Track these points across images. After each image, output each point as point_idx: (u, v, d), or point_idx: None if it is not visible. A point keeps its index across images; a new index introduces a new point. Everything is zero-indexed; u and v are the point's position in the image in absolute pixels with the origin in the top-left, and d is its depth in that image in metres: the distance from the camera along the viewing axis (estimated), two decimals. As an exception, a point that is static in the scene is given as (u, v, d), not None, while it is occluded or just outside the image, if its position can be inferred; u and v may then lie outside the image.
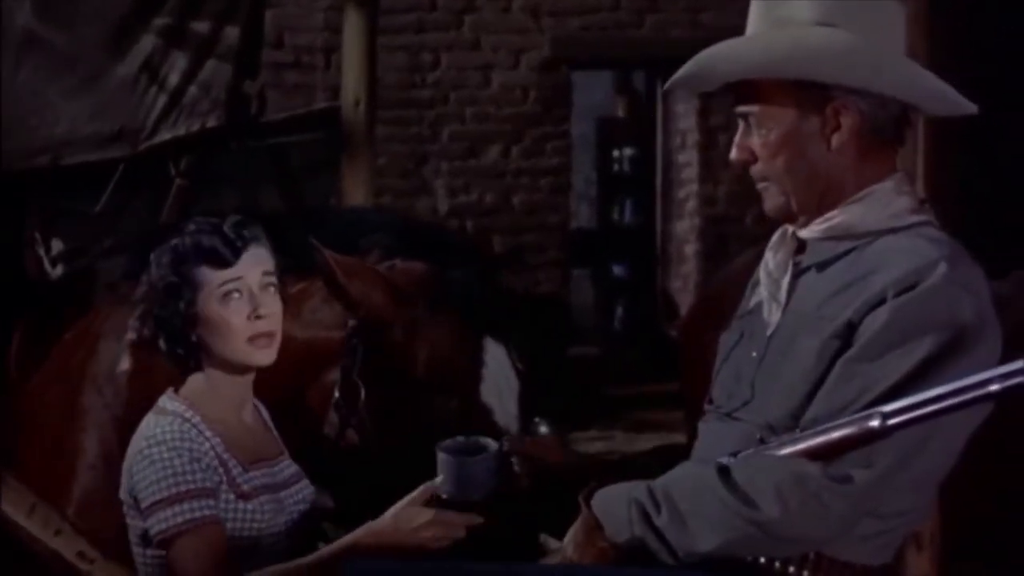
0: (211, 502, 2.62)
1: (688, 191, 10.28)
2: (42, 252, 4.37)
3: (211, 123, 4.51)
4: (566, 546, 2.50)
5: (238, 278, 2.70)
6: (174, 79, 4.48)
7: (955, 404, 2.26)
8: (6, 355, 3.73)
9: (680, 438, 5.58)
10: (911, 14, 2.86)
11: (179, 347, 2.74)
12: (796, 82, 2.47)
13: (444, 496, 2.57)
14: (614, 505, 2.45)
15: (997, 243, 3.72)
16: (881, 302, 2.37)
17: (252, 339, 2.70)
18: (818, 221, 2.52)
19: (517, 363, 3.03)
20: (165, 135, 4.49)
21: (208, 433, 2.69)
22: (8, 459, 3.05)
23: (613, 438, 8.31)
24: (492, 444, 2.58)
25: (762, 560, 2.42)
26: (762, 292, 2.57)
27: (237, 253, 2.71)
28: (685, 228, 10.35)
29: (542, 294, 9.42)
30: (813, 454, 2.33)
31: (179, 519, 2.60)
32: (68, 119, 4.41)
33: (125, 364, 3.16)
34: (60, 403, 3.24)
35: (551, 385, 3.45)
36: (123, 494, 2.71)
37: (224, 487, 2.66)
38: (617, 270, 11.49)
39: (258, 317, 2.69)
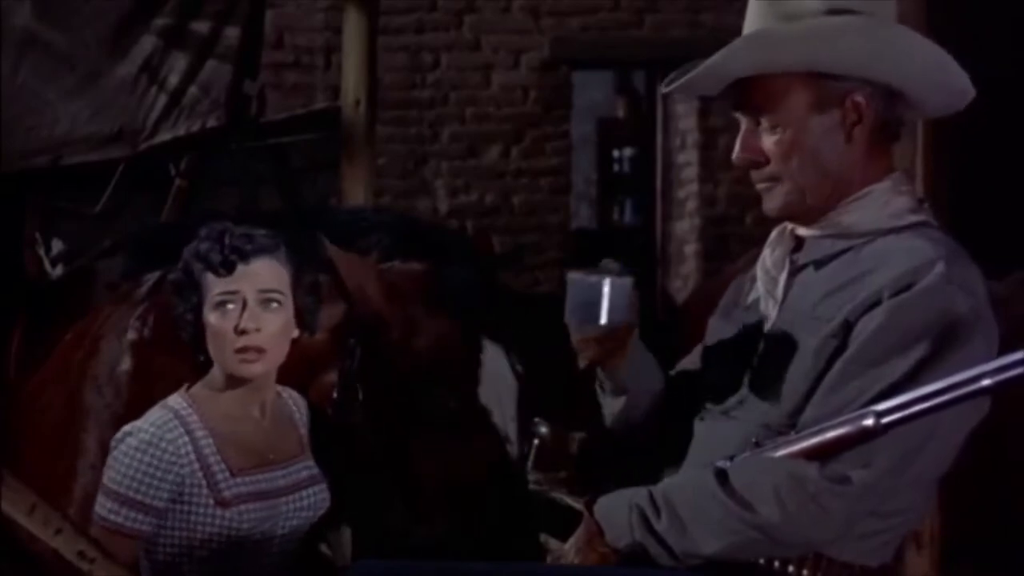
0: (146, 517, 2.69)
1: (688, 191, 10.27)
2: (42, 252, 4.37)
3: (211, 123, 4.50)
4: (568, 551, 2.51)
5: (234, 291, 2.72)
6: (174, 79, 4.48)
7: (948, 400, 2.26)
8: (6, 355, 3.73)
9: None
10: (911, 14, 2.87)
11: (192, 345, 2.79)
12: (813, 75, 2.46)
13: (572, 322, 2.55)
14: (615, 510, 2.46)
15: (996, 243, 3.72)
16: (877, 302, 2.37)
17: (238, 352, 2.72)
18: (818, 220, 2.52)
19: (516, 364, 3.03)
20: (165, 135, 4.49)
21: (200, 433, 2.73)
22: (8, 459, 3.04)
23: (613, 438, 8.30)
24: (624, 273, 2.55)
25: (761, 560, 2.42)
26: (759, 289, 2.57)
27: (230, 266, 2.72)
28: (685, 228, 10.34)
29: (542, 294, 9.42)
30: (809, 454, 2.34)
31: (112, 516, 2.70)
32: (68, 119, 4.40)
33: (125, 364, 3.16)
34: (60, 403, 3.24)
35: (551, 385, 3.44)
36: None
37: (204, 491, 2.70)
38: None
39: (242, 332, 2.70)
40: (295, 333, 2.79)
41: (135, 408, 2.88)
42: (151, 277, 3.17)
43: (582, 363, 2.65)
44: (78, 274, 4.23)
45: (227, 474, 2.73)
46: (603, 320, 2.53)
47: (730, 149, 2.57)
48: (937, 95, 2.52)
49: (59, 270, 4.36)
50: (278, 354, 2.76)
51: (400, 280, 2.99)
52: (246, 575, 2.74)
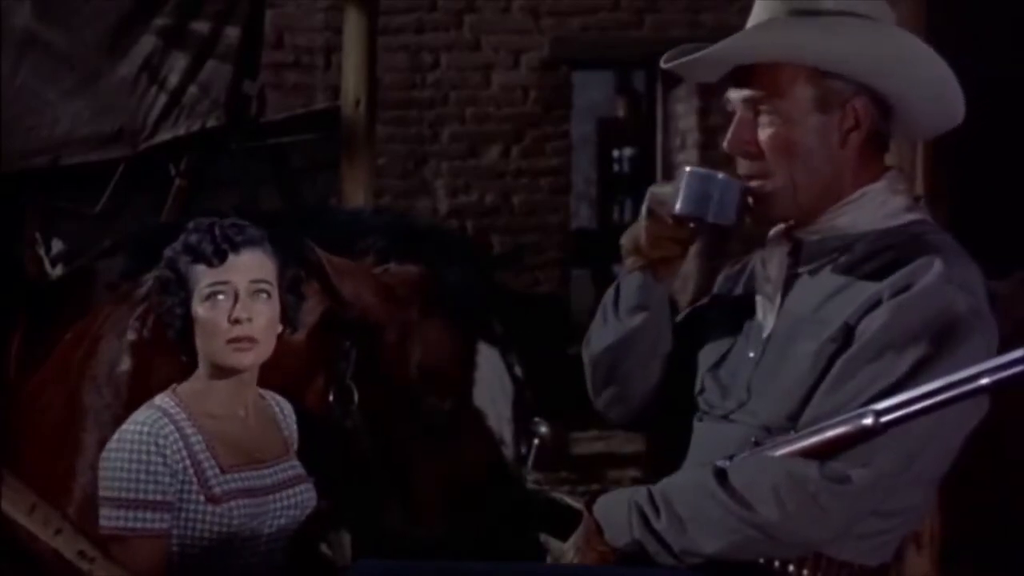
0: (157, 514, 2.67)
1: (688, 191, 10.26)
2: (42, 252, 4.37)
3: (211, 123, 4.50)
4: (567, 550, 2.52)
5: (225, 281, 2.73)
6: (174, 79, 4.48)
7: (947, 399, 2.26)
8: (6, 355, 3.72)
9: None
10: (911, 15, 2.87)
11: (179, 342, 2.79)
12: (819, 73, 2.45)
13: (677, 212, 2.56)
14: (614, 509, 2.46)
15: (996, 243, 3.72)
16: (878, 303, 2.37)
17: (231, 341, 2.72)
18: (814, 222, 2.52)
19: (514, 367, 3.03)
20: (165, 135, 4.48)
21: (190, 431, 2.73)
22: (8, 459, 3.04)
23: (613, 438, 8.31)
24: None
25: (760, 559, 2.42)
26: (757, 294, 2.57)
27: (222, 255, 2.73)
28: (685, 228, 10.34)
29: (542, 294, 9.42)
30: (808, 453, 2.34)
31: (120, 523, 2.67)
32: (68, 119, 4.40)
33: (125, 364, 3.16)
34: (60, 403, 3.23)
35: (551, 385, 3.44)
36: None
37: (195, 488, 2.70)
38: (617, 270, 11.46)
39: (235, 321, 2.71)
40: (279, 328, 2.79)
41: (135, 408, 2.87)
42: (151, 277, 3.16)
43: (633, 265, 2.67)
44: (78, 274, 4.22)
45: (217, 471, 2.73)
46: (710, 217, 2.55)
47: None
48: (933, 109, 2.52)
49: (59, 270, 4.36)
50: (267, 346, 2.77)
51: (395, 283, 2.99)
52: (234, 572, 2.74)
